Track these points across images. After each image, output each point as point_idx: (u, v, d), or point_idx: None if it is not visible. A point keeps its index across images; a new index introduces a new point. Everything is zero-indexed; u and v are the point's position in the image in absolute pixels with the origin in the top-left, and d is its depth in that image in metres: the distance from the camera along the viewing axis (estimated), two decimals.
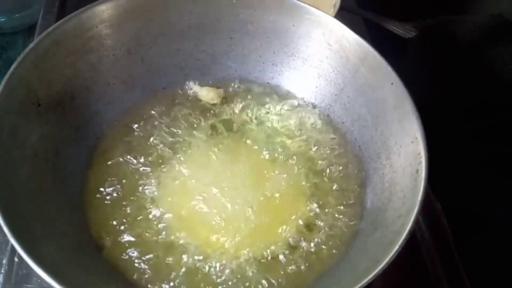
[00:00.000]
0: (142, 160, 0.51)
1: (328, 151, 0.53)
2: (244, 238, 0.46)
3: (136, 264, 0.44)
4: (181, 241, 0.46)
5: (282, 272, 0.45)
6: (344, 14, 0.66)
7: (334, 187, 0.51)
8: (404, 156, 0.45)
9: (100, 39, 0.50)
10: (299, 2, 0.52)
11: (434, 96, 0.75)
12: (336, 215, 0.48)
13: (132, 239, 0.46)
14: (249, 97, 0.57)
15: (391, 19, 0.69)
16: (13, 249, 0.49)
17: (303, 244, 0.46)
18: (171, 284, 0.43)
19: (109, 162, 0.51)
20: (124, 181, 0.49)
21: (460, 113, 0.74)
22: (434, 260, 0.53)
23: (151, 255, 0.45)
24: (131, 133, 0.53)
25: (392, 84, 0.47)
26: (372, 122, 0.51)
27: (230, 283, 0.44)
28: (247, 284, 0.44)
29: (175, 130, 0.54)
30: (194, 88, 0.56)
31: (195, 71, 0.57)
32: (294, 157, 0.53)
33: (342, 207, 0.49)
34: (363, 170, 0.51)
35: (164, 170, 0.50)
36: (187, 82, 0.57)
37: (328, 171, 0.52)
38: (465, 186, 0.64)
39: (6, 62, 0.75)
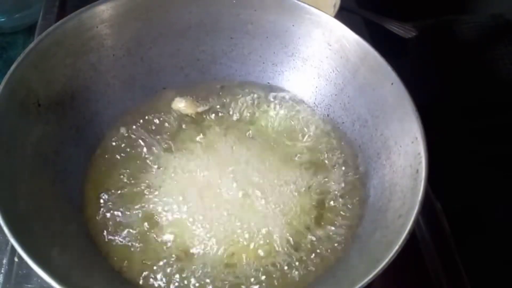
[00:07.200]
0: (142, 159, 0.51)
1: (328, 151, 0.53)
2: (243, 238, 0.46)
3: (137, 265, 0.44)
4: (178, 241, 0.46)
5: (282, 272, 0.45)
6: (344, 14, 0.66)
7: (334, 187, 0.50)
8: (404, 156, 0.45)
9: (100, 39, 0.50)
10: (299, 2, 0.52)
11: (434, 96, 0.75)
12: (336, 215, 0.48)
13: (133, 239, 0.46)
14: (249, 97, 0.57)
15: (391, 19, 0.70)
16: (13, 249, 0.49)
17: (303, 244, 0.46)
18: (173, 284, 0.43)
19: (109, 162, 0.51)
20: (124, 180, 0.49)
21: (460, 113, 0.74)
22: (434, 260, 0.53)
23: (151, 256, 0.45)
24: (132, 133, 0.53)
25: (392, 84, 0.47)
26: (372, 122, 0.51)
27: (226, 282, 0.44)
28: (245, 283, 0.44)
29: (176, 130, 0.54)
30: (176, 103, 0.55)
31: (195, 71, 0.57)
32: (294, 157, 0.53)
33: (341, 207, 0.49)
34: (363, 170, 0.51)
35: (165, 169, 0.50)
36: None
37: (327, 170, 0.52)
38: (465, 186, 0.64)
39: (6, 62, 0.75)
